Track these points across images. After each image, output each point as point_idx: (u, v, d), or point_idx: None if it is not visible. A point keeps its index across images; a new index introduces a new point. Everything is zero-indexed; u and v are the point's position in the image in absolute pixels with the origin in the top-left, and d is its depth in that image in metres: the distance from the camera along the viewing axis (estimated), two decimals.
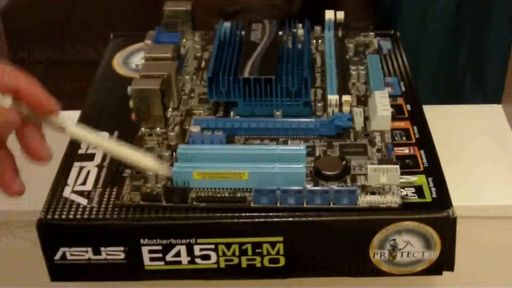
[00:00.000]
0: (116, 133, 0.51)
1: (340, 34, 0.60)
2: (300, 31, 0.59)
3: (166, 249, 0.44)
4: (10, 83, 0.40)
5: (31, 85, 0.41)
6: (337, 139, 0.49)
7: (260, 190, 0.43)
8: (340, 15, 0.60)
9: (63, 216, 0.44)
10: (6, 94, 0.40)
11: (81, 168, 0.48)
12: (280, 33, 0.56)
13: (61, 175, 0.48)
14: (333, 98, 0.51)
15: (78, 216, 0.44)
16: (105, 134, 0.48)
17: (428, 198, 0.44)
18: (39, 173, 0.49)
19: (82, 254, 0.44)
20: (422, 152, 0.48)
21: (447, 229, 0.43)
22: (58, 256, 0.44)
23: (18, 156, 0.41)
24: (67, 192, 0.46)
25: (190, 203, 0.44)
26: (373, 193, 0.44)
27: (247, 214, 0.43)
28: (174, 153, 0.47)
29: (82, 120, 0.53)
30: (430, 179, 0.45)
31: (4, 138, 0.40)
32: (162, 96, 0.49)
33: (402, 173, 0.45)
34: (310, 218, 0.43)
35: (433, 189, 0.45)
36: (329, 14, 0.60)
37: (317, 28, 0.61)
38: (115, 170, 0.47)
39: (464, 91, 1.15)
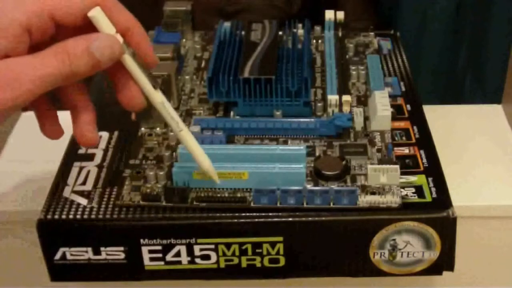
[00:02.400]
0: (116, 133, 0.51)
1: (340, 34, 0.60)
2: (300, 31, 0.59)
3: (166, 249, 0.44)
4: (126, 21, 0.39)
5: (142, 30, 0.40)
6: (337, 139, 0.49)
7: (260, 190, 0.43)
8: (340, 15, 0.60)
9: (63, 216, 0.44)
10: (118, 32, 0.38)
11: (81, 168, 0.48)
12: (280, 33, 0.56)
13: (61, 175, 0.48)
14: (333, 98, 0.51)
15: (78, 216, 0.44)
16: None
17: (428, 198, 0.44)
18: (39, 173, 0.49)
19: (82, 254, 0.44)
20: (422, 152, 0.48)
21: (447, 229, 0.43)
22: (58, 256, 0.44)
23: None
24: (67, 192, 0.46)
25: (190, 203, 0.44)
26: (373, 193, 0.44)
27: (247, 214, 0.43)
28: (174, 153, 0.47)
29: None
30: (430, 179, 0.45)
31: (100, 66, 0.38)
32: None
33: (402, 173, 0.45)
34: (310, 218, 0.43)
35: (433, 189, 0.45)
36: (329, 14, 0.60)
37: (317, 28, 0.61)
38: (115, 170, 0.47)
39: (464, 91, 1.15)
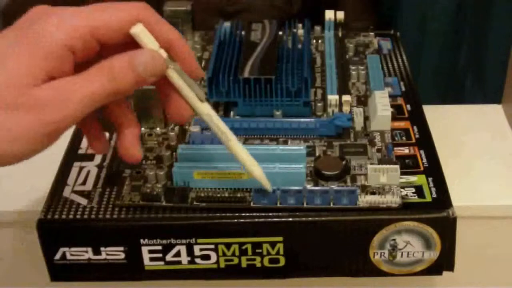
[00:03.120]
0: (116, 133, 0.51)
1: (340, 34, 0.60)
2: (300, 31, 0.59)
3: (166, 249, 0.44)
4: (168, 35, 0.39)
5: (185, 43, 0.40)
6: (337, 139, 0.49)
7: (260, 190, 0.43)
8: (340, 15, 0.60)
9: (63, 216, 0.44)
10: (161, 47, 0.39)
11: (81, 168, 0.48)
12: (280, 33, 0.56)
13: (61, 175, 0.48)
14: (333, 98, 0.51)
15: (78, 216, 0.44)
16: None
17: (428, 198, 0.44)
18: (39, 173, 0.49)
19: (82, 254, 0.44)
20: (422, 152, 0.48)
21: (447, 229, 0.43)
22: (58, 256, 0.44)
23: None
24: (67, 192, 0.46)
25: (190, 203, 0.44)
26: (373, 193, 0.44)
27: (247, 214, 0.43)
28: (174, 153, 0.47)
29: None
30: (430, 179, 0.45)
31: (144, 82, 0.38)
32: None
33: (402, 173, 0.45)
34: (310, 218, 0.43)
35: (433, 189, 0.45)
36: (329, 14, 0.60)
37: (317, 28, 0.61)
38: (115, 170, 0.47)
39: (464, 91, 1.15)
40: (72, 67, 0.37)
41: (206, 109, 0.41)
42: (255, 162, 0.43)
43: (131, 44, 0.38)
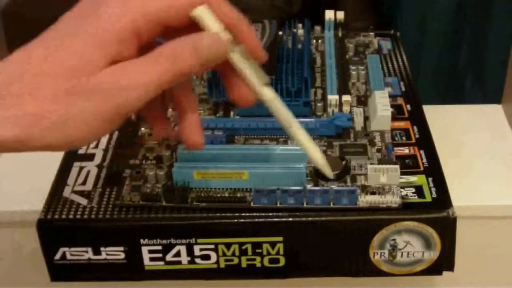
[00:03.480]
0: (116, 133, 0.51)
1: (340, 34, 0.60)
2: (300, 31, 0.59)
3: (166, 249, 0.44)
4: (232, 17, 0.39)
5: (248, 26, 0.39)
6: (337, 139, 0.49)
7: (260, 190, 0.43)
8: (340, 15, 0.60)
9: (63, 216, 0.44)
10: (226, 29, 0.38)
11: (81, 168, 0.48)
12: (280, 33, 0.56)
13: (61, 175, 0.48)
14: (333, 98, 0.51)
15: (78, 216, 0.44)
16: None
17: (428, 198, 0.44)
18: (39, 173, 0.49)
19: (82, 254, 0.44)
20: (422, 152, 0.48)
21: (447, 229, 0.43)
22: (58, 256, 0.44)
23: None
24: (67, 192, 0.46)
25: (190, 203, 0.44)
26: (373, 193, 0.44)
27: (247, 214, 0.43)
28: (174, 153, 0.47)
29: None
30: (430, 179, 0.45)
31: (208, 65, 0.38)
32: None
33: (402, 173, 0.45)
34: (310, 218, 0.43)
35: (433, 189, 0.45)
36: (329, 14, 0.60)
37: (317, 28, 0.61)
38: (115, 170, 0.47)
39: (464, 91, 1.15)
40: (136, 51, 0.37)
41: (269, 94, 0.40)
42: (318, 149, 0.42)
43: (194, 27, 0.38)
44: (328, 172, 0.43)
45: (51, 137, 0.35)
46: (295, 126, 0.41)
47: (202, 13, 0.37)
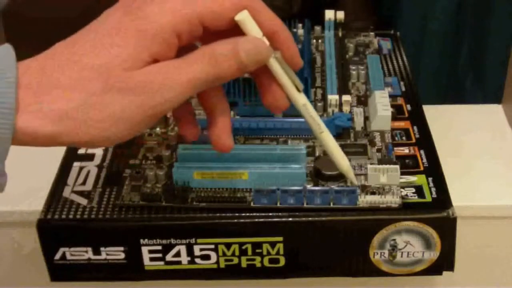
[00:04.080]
0: None
1: (340, 34, 0.60)
2: (300, 31, 0.59)
3: (166, 249, 0.44)
4: (272, 23, 0.39)
5: (288, 32, 0.40)
6: (337, 139, 0.49)
7: (260, 190, 0.43)
8: (340, 15, 0.60)
9: (63, 216, 0.44)
10: (264, 35, 0.38)
11: (81, 168, 0.48)
12: None
13: (61, 175, 0.48)
14: (333, 98, 0.51)
15: (78, 216, 0.44)
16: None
17: (428, 198, 0.44)
18: (39, 173, 0.49)
19: (82, 254, 0.44)
20: (422, 152, 0.48)
21: (447, 229, 0.43)
22: (58, 256, 0.44)
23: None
24: (67, 192, 0.46)
25: (190, 203, 0.44)
26: (373, 193, 0.44)
27: (247, 214, 0.43)
28: (174, 153, 0.47)
29: None
30: (430, 179, 0.45)
31: (246, 69, 0.38)
32: None
33: (402, 173, 0.45)
34: (310, 218, 0.43)
35: (433, 189, 0.45)
36: (329, 14, 0.60)
37: (317, 28, 0.61)
38: (115, 170, 0.47)
39: (464, 91, 1.15)
40: (175, 51, 0.37)
41: (303, 99, 0.41)
42: (344, 156, 0.43)
43: (233, 30, 0.38)
44: (353, 178, 0.43)
45: (89, 133, 0.35)
46: (325, 132, 0.42)
47: (245, 18, 0.38)
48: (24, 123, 0.34)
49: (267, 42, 0.38)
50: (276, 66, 0.39)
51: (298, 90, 0.41)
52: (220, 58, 0.37)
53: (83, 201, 0.45)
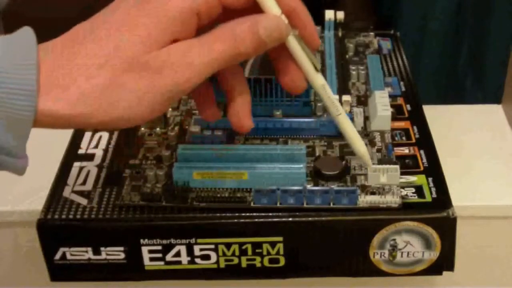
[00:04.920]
0: (116, 133, 0.51)
1: (340, 34, 0.60)
2: None
3: (166, 249, 0.44)
4: (291, 1, 0.39)
5: (306, 12, 0.40)
6: (337, 139, 0.49)
7: (260, 190, 0.43)
8: (340, 15, 0.60)
9: (63, 216, 0.44)
10: (283, 13, 0.38)
11: (81, 168, 0.48)
12: None
13: (61, 175, 0.48)
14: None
15: (78, 216, 0.44)
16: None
17: (428, 198, 0.44)
18: (39, 173, 0.49)
19: (82, 254, 0.44)
20: (422, 152, 0.48)
21: (447, 229, 0.43)
22: (58, 256, 0.44)
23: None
24: (67, 192, 0.46)
25: (190, 203, 0.44)
26: (373, 193, 0.44)
27: (247, 214, 0.43)
28: (174, 153, 0.47)
29: None
30: (430, 179, 0.45)
31: (265, 47, 0.38)
32: None
33: (402, 173, 0.45)
34: (310, 218, 0.43)
35: (433, 189, 0.45)
36: (329, 14, 0.60)
37: (317, 28, 0.61)
38: (115, 170, 0.47)
39: (464, 91, 1.15)
40: (195, 31, 0.37)
41: (321, 80, 0.41)
42: (361, 139, 0.43)
43: (251, 9, 0.38)
44: (369, 161, 0.43)
45: (109, 114, 0.35)
46: (343, 114, 0.42)
47: None
48: (45, 105, 0.34)
49: (286, 20, 0.38)
50: (294, 45, 0.39)
51: (316, 70, 0.40)
52: (239, 36, 0.37)
53: (83, 201, 0.45)
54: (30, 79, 0.34)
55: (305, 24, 0.40)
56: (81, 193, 0.46)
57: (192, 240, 0.44)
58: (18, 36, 0.35)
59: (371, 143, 0.48)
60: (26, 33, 0.36)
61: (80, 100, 0.35)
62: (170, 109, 0.52)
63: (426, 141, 0.49)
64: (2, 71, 0.33)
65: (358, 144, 0.43)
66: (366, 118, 0.51)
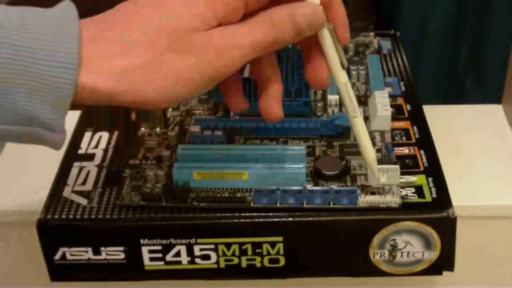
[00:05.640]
0: (116, 133, 0.51)
1: None
2: None
3: (166, 249, 0.44)
4: None
5: (343, 7, 0.40)
6: (337, 139, 0.49)
7: (260, 190, 0.43)
8: None
9: (63, 216, 0.44)
10: (322, 3, 0.39)
11: (81, 168, 0.48)
12: None
13: (61, 175, 0.48)
14: (333, 98, 0.51)
15: (78, 216, 0.44)
16: None
17: (428, 198, 0.44)
18: (39, 173, 0.49)
19: (82, 254, 0.44)
20: (422, 152, 0.48)
21: (447, 229, 0.43)
22: (58, 256, 0.44)
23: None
24: (67, 192, 0.46)
25: (190, 203, 0.44)
26: (373, 193, 0.44)
27: (247, 214, 0.43)
28: (174, 153, 0.47)
29: (83, 119, 0.53)
30: (430, 179, 0.45)
31: (303, 34, 0.38)
32: None
33: (402, 173, 0.45)
34: (310, 218, 0.43)
35: (433, 189, 0.45)
36: None
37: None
38: (115, 170, 0.47)
39: (464, 91, 1.15)
40: (240, 17, 0.37)
41: (345, 78, 0.41)
42: (372, 146, 0.43)
43: None
44: (375, 169, 0.43)
45: (149, 92, 0.36)
46: (359, 117, 0.42)
47: None
48: (85, 78, 0.34)
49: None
50: (327, 37, 0.40)
51: (343, 66, 0.41)
52: (278, 23, 0.37)
53: (83, 201, 0.45)
54: (72, 52, 0.34)
55: (339, 18, 0.40)
56: (81, 193, 0.46)
57: (192, 240, 0.44)
58: (59, 9, 0.35)
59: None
60: (67, 6, 0.35)
61: (120, 76, 0.35)
62: (170, 109, 0.52)
63: (426, 141, 0.49)
64: (43, 43, 0.33)
65: (369, 150, 0.43)
66: (366, 118, 0.51)
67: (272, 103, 0.41)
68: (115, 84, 0.35)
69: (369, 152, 0.43)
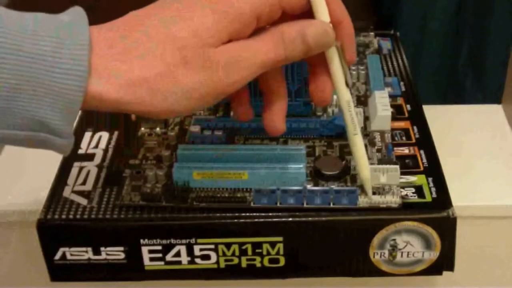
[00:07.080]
0: (116, 133, 0.51)
1: None
2: None
3: (166, 249, 0.44)
4: (340, 13, 0.40)
5: (351, 26, 0.40)
6: (337, 139, 0.49)
7: (260, 190, 0.43)
8: None
9: (63, 216, 0.44)
10: (331, 22, 0.39)
11: (81, 168, 0.48)
12: None
13: (61, 175, 0.48)
14: (333, 98, 0.51)
15: (78, 216, 0.44)
16: None
17: (428, 198, 0.44)
18: (39, 173, 0.49)
19: (82, 254, 0.44)
20: (422, 152, 0.48)
21: (447, 229, 0.43)
22: (58, 256, 0.44)
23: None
24: (67, 192, 0.46)
25: (190, 203, 0.44)
26: (373, 193, 0.44)
27: (247, 214, 0.43)
28: (174, 153, 0.47)
29: (83, 119, 0.53)
30: (430, 179, 0.45)
31: (311, 52, 0.39)
32: None
33: (402, 173, 0.45)
34: (310, 218, 0.43)
35: (433, 189, 0.45)
36: None
37: None
38: (115, 170, 0.47)
39: (464, 91, 1.15)
40: (250, 33, 0.38)
41: (348, 96, 0.41)
42: (368, 165, 0.43)
43: (307, 14, 0.39)
44: (369, 190, 0.43)
45: (158, 103, 0.36)
46: (359, 135, 0.43)
47: (319, 1, 0.39)
48: (95, 86, 0.34)
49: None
50: (334, 56, 0.40)
51: (347, 84, 0.41)
52: (288, 40, 0.38)
53: (83, 201, 0.45)
54: (82, 60, 0.34)
55: (348, 38, 0.40)
56: (81, 193, 0.46)
57: (192, 240, 0.44)
58: (68, 15, 0.35)
59: (371, 143, 0.48)
60: (77, 13, 0.36)
61: (129, 86, 0.35)
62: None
63: (426, 141, 0.49)
64: (53, 50, 0.33)
65: (365, 169, 0.43)
66: (366, 118, 0.51)
67: (276, 119, 0.42)
68: (123, 94, 0.35)
69: (366, 171, 0.43)
